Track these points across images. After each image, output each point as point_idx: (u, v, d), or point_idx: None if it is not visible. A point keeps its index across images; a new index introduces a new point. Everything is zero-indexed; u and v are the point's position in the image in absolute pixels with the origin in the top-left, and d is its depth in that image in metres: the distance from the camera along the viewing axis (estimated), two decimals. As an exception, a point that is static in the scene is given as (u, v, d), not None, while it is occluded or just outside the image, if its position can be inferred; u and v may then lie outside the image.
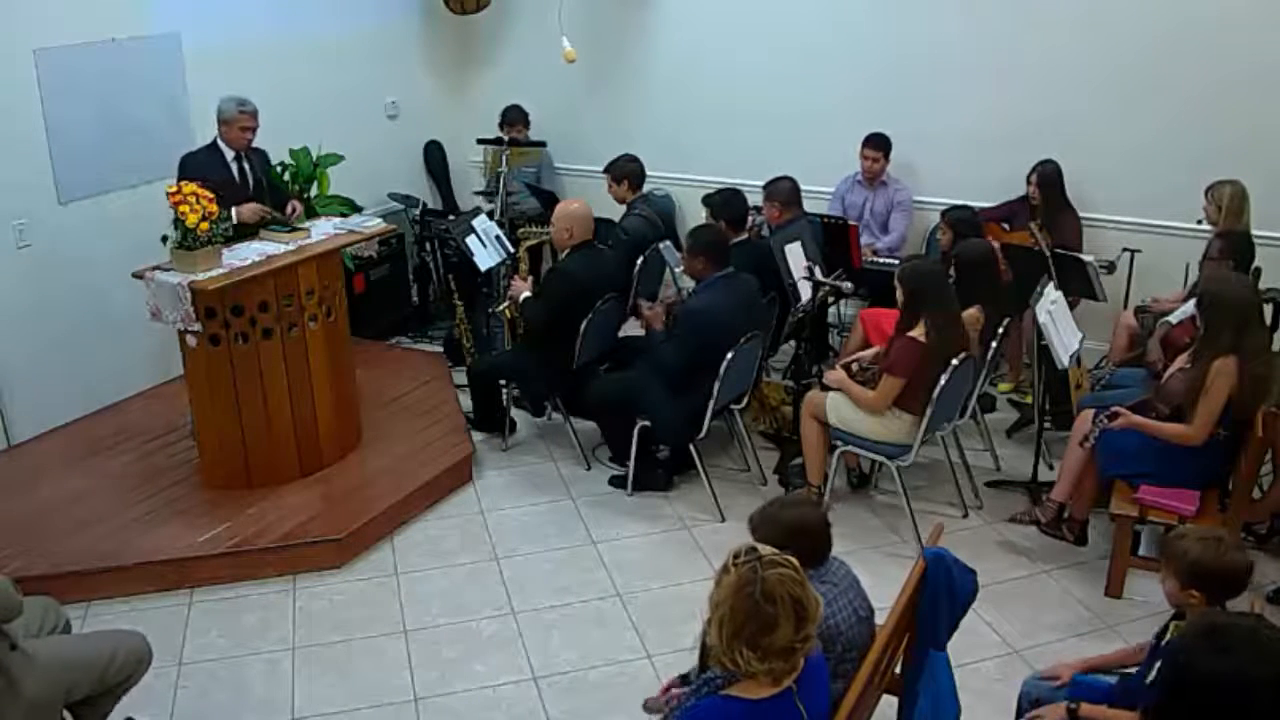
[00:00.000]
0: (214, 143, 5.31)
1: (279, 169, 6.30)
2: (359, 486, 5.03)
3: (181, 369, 4.98)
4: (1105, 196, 6.00)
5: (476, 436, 5.61)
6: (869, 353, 5.00)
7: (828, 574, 2.94)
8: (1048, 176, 5.84)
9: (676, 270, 5.42)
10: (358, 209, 6.49)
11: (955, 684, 3.18)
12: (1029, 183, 5.90)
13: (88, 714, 3.30)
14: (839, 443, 4.77)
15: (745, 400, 5.26)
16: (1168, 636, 2.90)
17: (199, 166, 5.14)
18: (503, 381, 5.66)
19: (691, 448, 5.04)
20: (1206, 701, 2.31)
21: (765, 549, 2.36)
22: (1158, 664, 2.72)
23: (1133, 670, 3.03)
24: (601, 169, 6.32)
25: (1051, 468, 5.00)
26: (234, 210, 5.09)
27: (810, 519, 2.91)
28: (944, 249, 5.53)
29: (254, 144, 5.41)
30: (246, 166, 5.39)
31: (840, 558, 3.05)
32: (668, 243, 5.75)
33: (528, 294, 5.37)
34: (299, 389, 4.97)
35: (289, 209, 5.42)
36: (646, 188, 6.39)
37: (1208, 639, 2.35)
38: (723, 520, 4.92)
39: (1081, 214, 5.93)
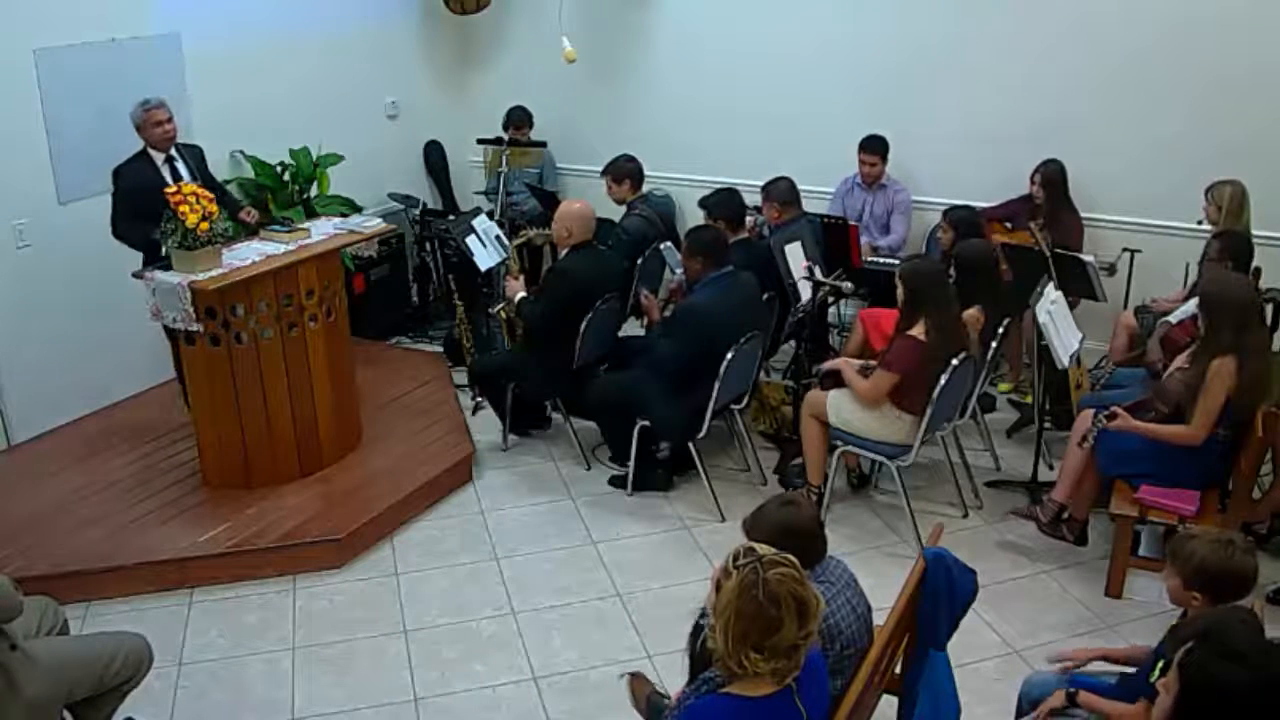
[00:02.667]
0: (143, 150, 5.15)
1: (278, 169, 6.32)
2: (359, 486, 5.03)
3: (182, 369, 4.99)
4: (1106, 196, 6.00)
5: (477, 436, 5.59)
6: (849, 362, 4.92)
7: (825, 573, 2.94)
8: (1051, 176, 5.84)
9: (677, 271, 5.41)
10: (358, 209, 6.49)
11: (955, 684, 3.18)
12: (1032, 182, 5.89)
13: (89, 715, 3.30)
14: (839, 443, 4.76)
15: (745, 400, 5.26)
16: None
17: (130, 176, 5.04)
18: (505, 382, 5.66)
19: (691, 447, 5.03)
20: (1223, 709, 2.34)
21: (764, 549, 2.35)
22: (1160, 663, 2.73)
23: (1133, 671, 3.03)
24: (601, 169, 6.32)
25: (1051, 468, 5.00)
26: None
27: (801, 519, 2.90)
28: (945, 249, 5.53)
29: (184, 142, 5.28)
30: (180, 168, 5.22)
31: (838, 557, 3.04)
32: (669, 244, 5.75)
33: (523, 294, 5.37)
34: (299, 389, 4.96)
35: (249, 215, 5.29)
36: (646, 188, 6.39)
37: (1216, 647, 2.36)
38: (723, 520, 4.92)
39: (1082, 214, 5.93)
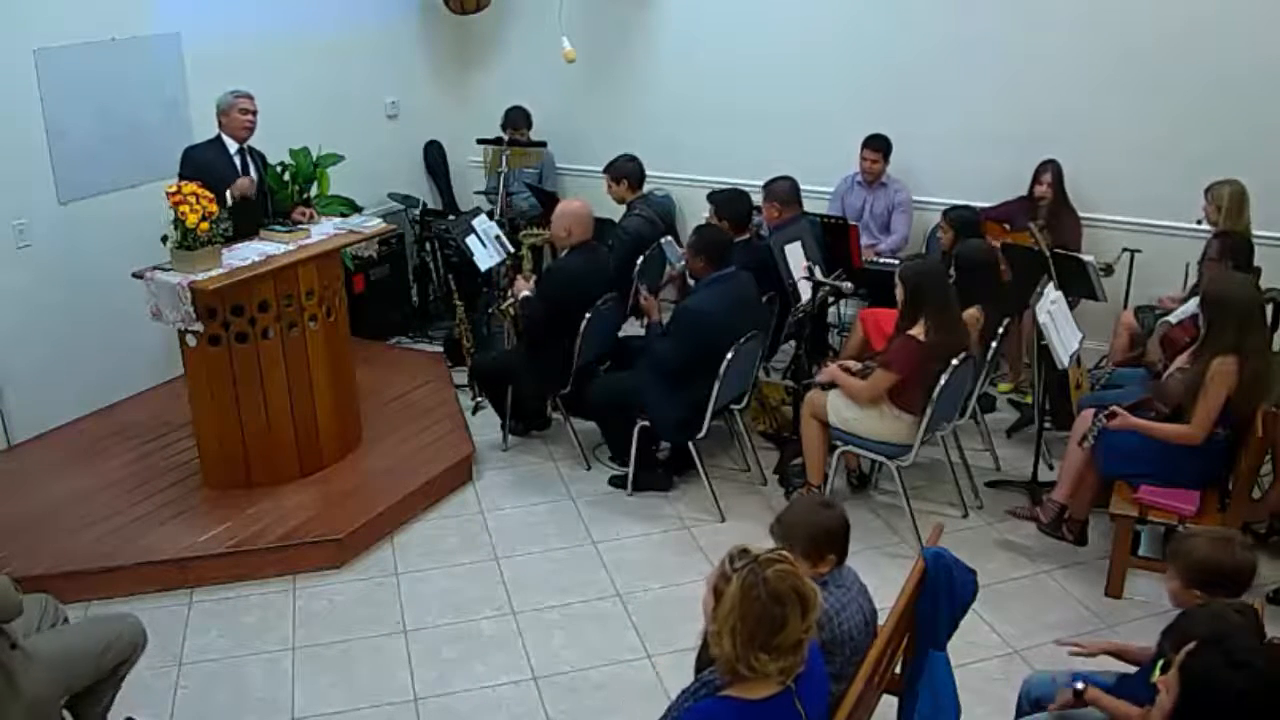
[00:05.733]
0: (217, 137, 5.30)
1: (279, 169, 6.31)
2: (359, 486, 5.03)
3: (181, 369, 4.99)
4: (1105, 196, 6.00)
5: (477, 436, 5.59)
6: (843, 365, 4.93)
7: (841, 578, 2.94)
8: (1058, 175, 5.85)
9: (678, 265, 5.43)
10: (358, 209, 6.49)
11: (955, 684, 3.18)
12: (1040, 181, 5.88)
13: (88, 708, 3.30)
14: (839, 443, 4.76)
15: (745, 400, 5.26)
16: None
17: (202, 160, 5.12)
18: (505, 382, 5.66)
19: (691, 447, 5.03)
20: (1224, 716, 2.36)
21: (756, 548, 2.34)
22: (1160, 663, 2.73)
23: (1133, 670, 3.03)
24: (601, 169, 6.32)
25: (1051, 468, 5.00)
26: (228, 193, 5.07)
27: (840, 520, 2.93)
28: (945, 249, 5.53)
29: (253, 146, 5.39)
30: (250, 161, 5.37)
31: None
32: (669, 238, 5.74)
33: (527, 293, 5.37)
34: (299, 389, 4.96)
35: (302, 215, 5.37)
36: (646, 188, 6.38)
37: (1222, 655, 2.37)
38: (723, 520, 4.92)
39: (1081, 214, 5.93)
